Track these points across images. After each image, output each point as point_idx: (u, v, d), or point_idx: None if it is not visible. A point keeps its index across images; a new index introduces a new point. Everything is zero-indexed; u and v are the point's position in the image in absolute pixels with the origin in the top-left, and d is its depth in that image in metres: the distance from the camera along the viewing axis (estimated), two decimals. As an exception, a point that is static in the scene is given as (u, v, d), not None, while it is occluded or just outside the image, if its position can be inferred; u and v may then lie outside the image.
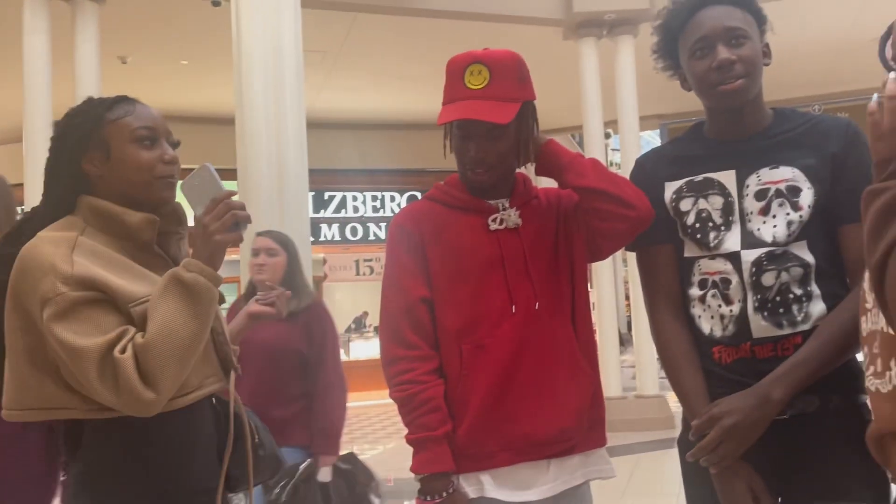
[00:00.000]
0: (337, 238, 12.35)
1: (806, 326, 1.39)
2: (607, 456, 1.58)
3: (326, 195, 12.16)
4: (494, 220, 1.53)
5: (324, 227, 12.16)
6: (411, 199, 12.56)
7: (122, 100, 1.38)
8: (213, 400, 1.40)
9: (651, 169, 1.56)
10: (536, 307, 1.50)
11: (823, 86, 9.18)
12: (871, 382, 1.09)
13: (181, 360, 1.21)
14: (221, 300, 1.48)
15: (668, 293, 1.51)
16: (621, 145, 7.70)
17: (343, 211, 12.42)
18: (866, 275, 1.10)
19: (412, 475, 1.49)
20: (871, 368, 1.09)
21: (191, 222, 1.37)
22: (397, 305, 1.52)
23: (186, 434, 1.33)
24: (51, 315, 1.18)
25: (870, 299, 1.09)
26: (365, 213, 12.55)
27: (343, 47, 8.41)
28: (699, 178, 1.49)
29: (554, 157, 1.53)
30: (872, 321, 1.07)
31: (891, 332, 0.97)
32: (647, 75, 8.81)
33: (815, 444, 1.37)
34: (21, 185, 5.86)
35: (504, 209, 1.55)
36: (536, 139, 1.55)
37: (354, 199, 12.47)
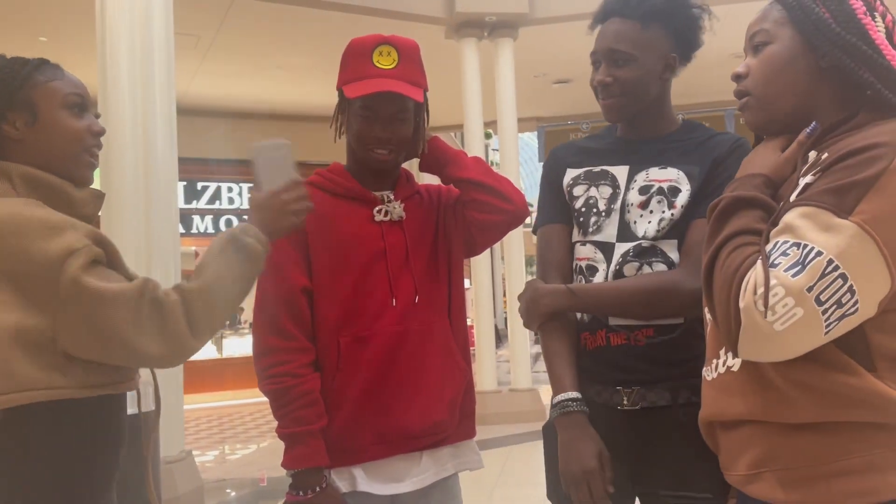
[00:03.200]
0: (210, 230, 11.86)
1: (659, 320, 1.47)
2: (476, 447, 1.61)
3: (199, 185, 11.66)
4: (380, 212, 1.53)
5: (196, 218, 11.65)
6: (289, 192, 12.26)
7: (48, 63, 1.29)
8: None
9: (561, 156, 1.64)
10: (416, 301, 1.51)
11: (684, 97, 9.83)
12: (703, 371, 1.19)
13: (222, 317, 1.21)
14: None
15: (558, 268, 1.56)
16: (500, 146, 7.87)
17: (217, 202, 11.94)
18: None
19: (285, 473, 1.45)
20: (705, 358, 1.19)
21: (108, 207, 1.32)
22: (277, 294, 1.48)
23: (118, 422, 1.26)
24: (80, 265, 1.11)
25: None
26: (241, 204, 12.13)
27: (219, 32, 8.07)
28: (597, 169, 1.57)
29: (439, 153, 1.55)
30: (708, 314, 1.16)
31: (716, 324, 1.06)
32: (526, 78, 9.01)
33: (665, 436, 1.45)
34: None
35: (389, 201, 1.54)
36: (425, 134, 1.57)
37: (230, 189, 12.03)
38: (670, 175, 1.49)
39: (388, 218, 1.53)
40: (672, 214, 1.47)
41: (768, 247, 0.98)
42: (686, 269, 1.43)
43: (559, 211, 1.57)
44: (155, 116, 4.46)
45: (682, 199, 1.47)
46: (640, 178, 1.51)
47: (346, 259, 1.49)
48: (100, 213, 4.57)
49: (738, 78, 1.19)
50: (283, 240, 1.48)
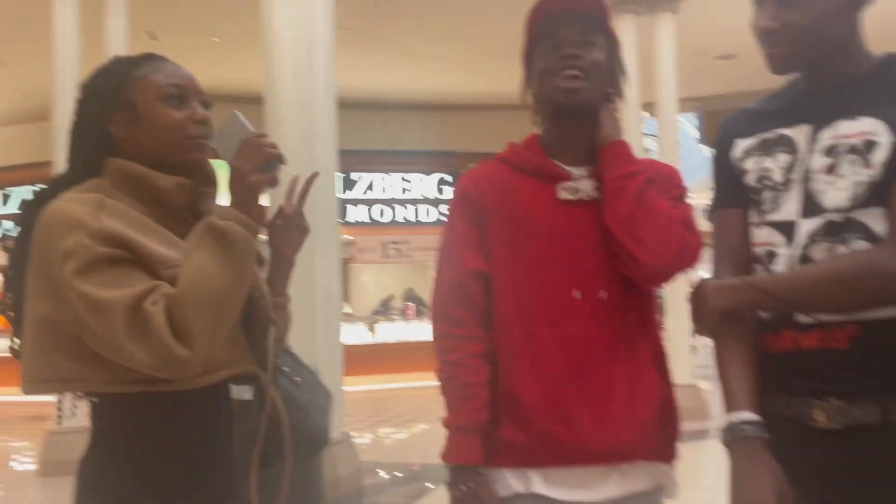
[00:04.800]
0: (364, 220, 12.29)
1: (866, 314, 1.16)
2: (674, 474, 1.42)
3: (354, 176, 12.09)
4: (566, 189, 1.37)
5: (351, 208, 12.10)
6: (440, 180, 12.45)
7: (150, 57, 1.29)
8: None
9: (729, 127, 1.37)
10: (602, 295, 1.34)
11: None
12: None
13: (217, 314, 1.11)
14: (261, 261, 1.38)
15: (731, 259, 1.30)
16: (660, 129, 7.45)
17: (370, 192, 12.34)
18: None
19: (438, 460, 1.37)
20: None
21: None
22: (448, 278, 1.39)
23: (209, 417, 1.24)
24: (73, 269, 1.09)
25: None
26: (393, 194, 12.46)
27: (373, 24, 8.27)
28: (771, 134, 1.29)
29: (607, 160, 1.37)
30: None
31: None
32: (686, 55, 8.49)
33: (874, 463, 1.16)
34: (49, 162, 5.86)
35: (579, 178, 1.38)
36: (608, 129, 1.39)
37: (382, 180, 12.38)
38: (864, 127, 1.18)
39: (575, 197, 1.37)
40: (871, 176, 1.16)
41: None
42: (893, 243, 1.13)
43: (731, 192, 1.31)
44: (316, 110, 4.59)
45: (881, 154, 1.15)
46: (826, 137, 1.21)
47: (524, 243, 1.35)
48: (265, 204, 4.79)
49: None
50: (459, 219, 1.40)
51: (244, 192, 1.18)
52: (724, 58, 9.34)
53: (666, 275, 1.33)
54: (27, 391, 1.19)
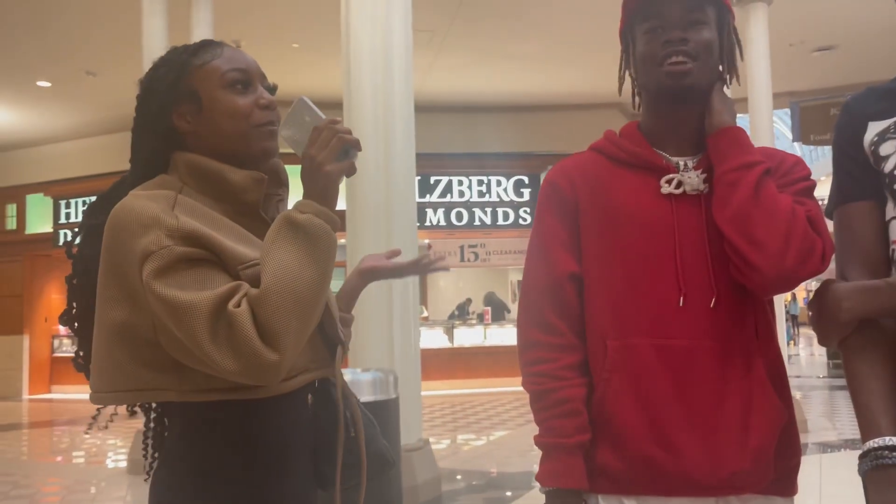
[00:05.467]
0: (442, 223, 12.25)
1: None
2: None
3: (432, 179, 12.08)
4: (669, 182, 1.22)
5: (429, 211, 12.08)
6: (518, 183, 12.29)
7: (208, 43, 1.22)
8: (316, 383, 1.25)
9: (857, 108, 1.20)
10: (713, 304, 1.19)
11: None
12: None
13: (303, 314, 1.04)
14: None
15: (864, 260, 1.14)
16: (752, 127, 7.08)
17: (448, 195, 12.30)
18: None
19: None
20: None
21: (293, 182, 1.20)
22: (540, 281, 1.27)
23: (288, 425, 1.17)
24: (152, 271, 1.02)
25: None
26: (470, 197, 12.37)
27: (452, 26, 8.22)
28: None
29: (719, 148, 1.21)
30: None
31: None
32: (780, 48, 8.11)
33: None
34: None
35: (686, 169, 1.24)
36: (720, 113, 1.23)
37: (460, 183, 12.32)
38: None
39: (679, 190, 1.22)
40: None
41: None
42: None
43: (860, 183, 1.16)
44: (394, 114, 4.58)
45: None
46: None
47: (621, 242, 1.22)
48: (343, 208, 4.84)
49: None
50: (550, 216, 1.28)
51: (322, 183, 1.10)
52: (821, 49, 8.83)
53: (787, 282, 1.16)
54: (96, 401, 1.13)
